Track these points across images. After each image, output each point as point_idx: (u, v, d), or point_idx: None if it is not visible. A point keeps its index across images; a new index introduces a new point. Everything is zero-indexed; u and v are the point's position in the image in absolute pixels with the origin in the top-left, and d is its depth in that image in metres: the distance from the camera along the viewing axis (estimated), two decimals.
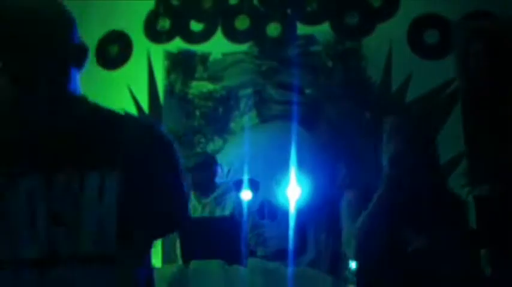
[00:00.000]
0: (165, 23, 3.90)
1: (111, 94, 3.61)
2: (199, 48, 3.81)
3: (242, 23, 3.83)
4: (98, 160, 1.50)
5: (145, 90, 3.83)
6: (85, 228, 1.50)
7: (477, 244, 2.04)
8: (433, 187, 1.75)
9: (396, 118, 1.80)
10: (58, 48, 1.45)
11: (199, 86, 3.72)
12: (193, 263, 2.53)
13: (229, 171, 3.54)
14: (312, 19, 3.77)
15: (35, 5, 1.48)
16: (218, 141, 3.67)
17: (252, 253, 3.01)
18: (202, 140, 3.68)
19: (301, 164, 3.35)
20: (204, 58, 3.79)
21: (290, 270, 2.57)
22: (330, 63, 3.68)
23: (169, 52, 3.83)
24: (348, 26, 3.72)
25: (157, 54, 3.84)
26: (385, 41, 3.62)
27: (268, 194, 3.43)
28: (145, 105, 3.81)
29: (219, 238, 2.55)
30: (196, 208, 3.12)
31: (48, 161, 1.49)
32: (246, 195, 3.25)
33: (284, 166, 3.33)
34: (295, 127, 3.47)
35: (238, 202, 3.13)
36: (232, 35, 3.82)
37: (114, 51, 3.91)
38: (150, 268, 1.64)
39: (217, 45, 3.82)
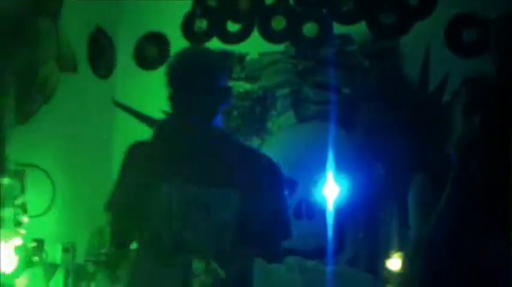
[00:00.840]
0: (202, 24, 3.94)
1: (150, 94, 3.68)
2: (236, 48, 3.84)
3: (278, 23, 3.85)
4: (223, 180, 2.10)
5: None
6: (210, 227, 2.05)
7: None
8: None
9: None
10: (211, 89, 2.14)
11: (237, 86, 3.75)
12: None
13: None
14: (348, 18, 3.77)
15: (205, 55, 2.27)
16: (256, 141, 3.69)
17: (290, 252, 3.03)
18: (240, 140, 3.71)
19: (338, 164, 3.35)
20: (241, 58, 3.82)
21: (329, 268, 2.58)
22: (366, 63, 3.68)
23: None
24: (384, 25, 3.71)
25: None
26: (422, 40, 3.61)
27: (306, 193, 3.44)
28: None
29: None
30: None
31: (188, 176, 2.08)
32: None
33: (321, 166, 3.34)
34: (332, 127, 3.48)
35: None
36: (269, 35, 3.84)
37: (153, 52, 3.96)
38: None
39: (254, 46, 3.84)
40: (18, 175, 3.18)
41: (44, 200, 3.35)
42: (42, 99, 3.46)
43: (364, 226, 3.29)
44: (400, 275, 2.78)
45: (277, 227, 2.16)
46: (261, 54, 3.83)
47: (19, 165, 3.20)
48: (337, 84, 3.66)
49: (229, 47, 3.84)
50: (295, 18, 3.83)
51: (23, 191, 3.17)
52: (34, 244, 3.15)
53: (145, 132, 2.42)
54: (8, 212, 3.06)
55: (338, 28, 3.77)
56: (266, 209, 2.12)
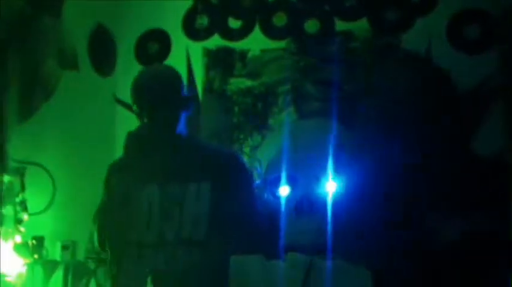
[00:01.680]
0: (203, 20, 3.93)
1: None
2: (237, 45, 3.83)
3: (280, 19, 3.84)
4: (196, 175, 2.34)
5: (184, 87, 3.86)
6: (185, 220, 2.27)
7: None
8: None
9: None
10: (174, 100, 2.46)
11: (238, 83, 3.74)
12: (232, 258, 2.55)
13: (267, 167, 3.55)
14: (350, 15, 3.75)
15: (159, 73, 2.57)
16: (257, 137, 3.68)
17: (291, 248, 3.01)
18: (241, 136, 3.70)
19: (339, 160, 3.34)
20: (243, 55, 3.81)
21: (329, 264, 2.58)
22: (368, 59, 3.66)
23: (208, 49, 3.86)
24: (386, 22, 3.69)
25: (196, 52, 3.87)
26: (424, 36, 3.59)
27: (307, 189, 3.43)
28: None
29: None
30: None
31: (163, 175, 2.35)
32: (284, 191, 3.26)
33: (323, 162, 3.33)
34: (334, 123, 3.47)
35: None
36: (270, 32, 3.83)
37: (154, 48, 3.96)
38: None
39: (256, 42, 3.83)
40: (19, 173, 3.19)
41: (44, 198, 3.35)
42: (44, 96, 3.46)
43: (362, 221, 3.28)
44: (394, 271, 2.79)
45: (247, 220, 2.39)
46: (262, 51, 3.82)
47: (19, 162, 3.20)
48: (339, 80, 3.64)
49: (230, 44, 3.83)
50: (296, 15, 3.81)
51: (23, 188, 3.17)
52: (34, 242, 3.16)
53: None
54: (8, 210, 3.06)
55: (340, 25, 3.75)
56: (235, 202, 2.36)
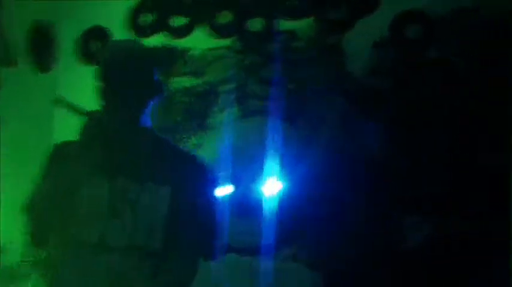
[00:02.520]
0: (146, 18, 3.89)
1: (93, 89, 3.61)
2: (180, 43, 3.80)
3: (224, 17, 3.82)
4: (156, 176, 2.09)
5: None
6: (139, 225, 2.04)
7: None
8: None
9: None
10: (143, 84, 2.12)
11: (180, 82, 3.71)
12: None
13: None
14: (295, 14, 3.75)
15: (133, 49, 2.17)
16: (199, 137, 3.66)
17: (229, 248, 3.00)
18: (184, 135, 3.68)
19: (282, 159, 3.34)
20: (185, 53, 3.78)
21: (269, 264, 2.57)
22: (312, 58, 3.67)
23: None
24: (330, 21, 3.70)
25: None
26: (366, 36, 3.61)
27: (249, 189, 3.42)
28: None
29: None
30: None
31: (117, 171, 2.08)
32: (225, 190, 3.24)
33: (265, 161, 3.32)
34: (277, 122, 3.47)
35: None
36: (215, 30, 3.81)
37: (95, 47, 3.90)
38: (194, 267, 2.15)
39: (199, 40, 3.80)
40: None
41: None
42: None
43: (305, 221, 3.29)
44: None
45: (207, 225, 2.18)
46: (206, 49, 3.79)
47: None
48: (283, 79, 3.64)
49: (173, 42, 3.80)
50: (241, 13, 3.80)
51: None
52: None
53: None
54: None
55: (284, 24, 3.75)
56: (194, 207, 2.13)
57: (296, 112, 3.59)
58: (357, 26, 3.62)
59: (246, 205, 3.36)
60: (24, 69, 3.66)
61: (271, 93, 3.63)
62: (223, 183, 3.23)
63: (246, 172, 3.46)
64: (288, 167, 3.36)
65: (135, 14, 3.89)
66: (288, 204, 3.33)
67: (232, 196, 3.29)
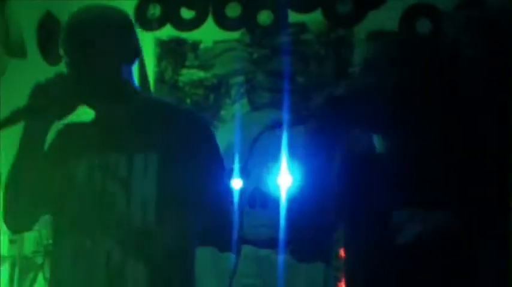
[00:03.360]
0: (155, 10, 3.87)
1: None
2: (190, 36, 3.79)
3: (233, 10, 3.80)
4: (142, 143, 1.86)
5: (136, 78, 3.81)
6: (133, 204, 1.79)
7: None
8: None
9: None
10: (114, 48, 1.93)
11: (190, 74, 3.70)
12: None
13: None
14: (304, 7, 3.75)
15: (101, 14, 2.01)
16: None
17: (244, 241, 3.00)
18: None
19: (292, 152, 3.33)
20: (195, 46, 3.77)
21: (281, 258, 2.57)
22: (321, 51, 3.67)
23: (160, 39, 3.82)
24: (339, 14, 3.70)
25: (147, 42, 3.81)
26: (376, 30, 3.60)
27: (260, 182, 3.42)
28: None
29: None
30: None
31: (102, 144, 1.89)
32: (236, 183, 3.23)
33: (275, 154, 3.31)
34: (287, 115, 3.46)
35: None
36: (224, 23, 3.80)
37: None
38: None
39: (209, 33, 3.79)
40: None
41: None
42: None
43: (316, 214, 3.28)
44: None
45: (211, 202, 1.96)
46: (215, 42, 3.79)
47: None
48: (292, 72, 3.64)
49: (182, 35, 3.79)
50: (250, 6, 3.79)
51: None
52: None
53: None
54: None
55: (294, 16, 3.74)
56: (195, 178, 1.91)
57: (305, 107, 3.58)
58: (366, 19, 3.62)
59: (258, 197, 3.36)
60: (32, 60, 3.63)
61: (280, 86, 3.63)
62: (235, 175, 3.22)
63: (256, 165, 3.45)
64: (299, 160, 3.35)
65: (144, 5, 3.87)
66: (297, 198, 3.32)
67: (244, 188, 3.28)
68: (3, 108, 3.37)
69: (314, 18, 3.70)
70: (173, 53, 3.79)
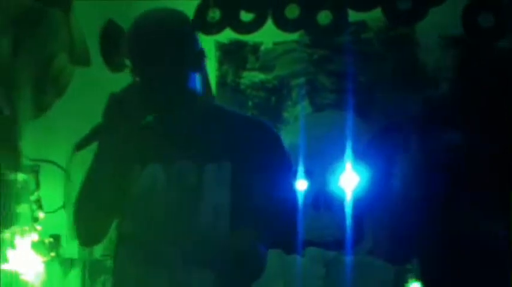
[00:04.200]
0: (214, 14, 3.89)
1: None
2: (249, 38, 3.80)
3: (292, 11, 3.79)
4: (213, 152, 1.83)
5: (199, 83, 3.85)
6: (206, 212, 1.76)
7: None
8: None
9: None
10: (179, 55, 1.89)
11: (251, 76, 3.71)
12: None
13: None
14: (363, 5, 3.71)
15: (163, 20, 2.02)
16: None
17: (310, 243, 2.99)
18: None
19: (356, 153, 3.31)
20: (256, 48, 3.78)
21: (349, 259, 2.55)
22: (382, 50, 3.63)
23: (220, 43, 3.83)
24: (399, 11, 3.64)
25: (208, 46, 3.83)
26: (438, 26, 3.54)
27: (323, 184, 3.41)
28: None
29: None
30: None
31: (170, 153, 1.85)
32: (300, 185, 3.23)
33: (339, 155, 3.30)
34: (350, 116, 3.44)
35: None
36: (283, 24, 3.79)
37: None
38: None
39: (268, 35, 3.79)
40: (33, 171, 3.17)
41: (59, 196, 3.32)
42: (56, 92, 3.44)
43: (382, 215, 3.26)
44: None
45: (280, 210, 1.86)
46: (275, 44, 3.79)
47: (33, 160, 3.19)
48: (353, 72, 3.61)
49: (242, 37, 3.80)
50: (309, 7, 3.77)
51: (38, 186, 3.16)
52: (51, 240, 3.14)
53: None
54: (23, 208, 3.05)
55: (353, 15, 3.71)
56: (266, 186, 1.82)
57: (367, 106, 3.55)
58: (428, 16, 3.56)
59: (321, 199, 3.35)
60: (96, 68, 3.70)
61: (342, 87, 3.60)
62: (299, 177, 3.21)
63: (319, 166, 3.44)
64: (362, 161, 3.33)
65: (203, 9, 3.89)
66: (361, 199, 3.30)
67: (306, 191, 3.27)
68: (72, 114, 3.46)
69: (374, 16, 3.66)
70: (234, 55, 3.80)
